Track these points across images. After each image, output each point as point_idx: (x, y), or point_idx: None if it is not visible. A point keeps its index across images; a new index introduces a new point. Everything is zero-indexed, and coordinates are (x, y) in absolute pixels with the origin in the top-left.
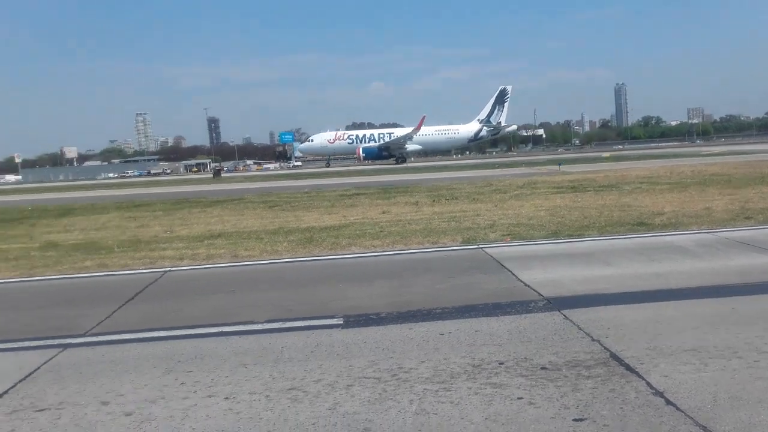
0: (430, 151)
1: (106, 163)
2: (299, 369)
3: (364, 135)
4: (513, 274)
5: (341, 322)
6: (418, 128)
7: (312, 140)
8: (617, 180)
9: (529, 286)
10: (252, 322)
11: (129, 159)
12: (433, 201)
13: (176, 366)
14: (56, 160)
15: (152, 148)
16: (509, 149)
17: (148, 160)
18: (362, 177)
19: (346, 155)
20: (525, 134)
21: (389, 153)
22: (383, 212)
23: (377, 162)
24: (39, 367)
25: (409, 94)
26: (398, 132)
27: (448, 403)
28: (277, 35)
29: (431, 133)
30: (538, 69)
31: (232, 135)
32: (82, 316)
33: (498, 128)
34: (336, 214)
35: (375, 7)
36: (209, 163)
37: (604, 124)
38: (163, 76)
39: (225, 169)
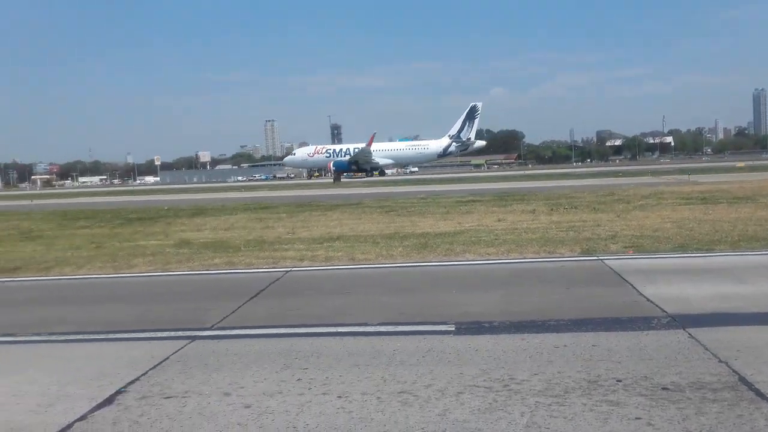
0: (401, 165)
1: (236, 166)
2: (410, 373)
3: (340, 149)
4: (635, 288)
5: (453, 329)
6: (369, 144)
7: (294, 154)
8: (753, 192)
9: (651, 301)
10: (366, 324)
11: (257, 163)
12: (551, 209)
13: (293, 362)
14: (191, 164)
15: (278, 153)
16: (633, 157)
17: (274, 165)
18: (479, 184)
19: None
20: (651, 142)
21: (358, 167)
22: (499, 220)
23: (346, 174)
24: (168, 357)
25: (528, 101)
26: (375, 147)
27: (561, 418)
28: (399, 44)
29: (402, 148)
30: (667, 73)
31: (353, 141)
32: (210, 311)
33: (467, 144)
34: (451, 220)
35: (497, 13)
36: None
37: (740, 132)
38: (291, 85)
39: (344, 174)
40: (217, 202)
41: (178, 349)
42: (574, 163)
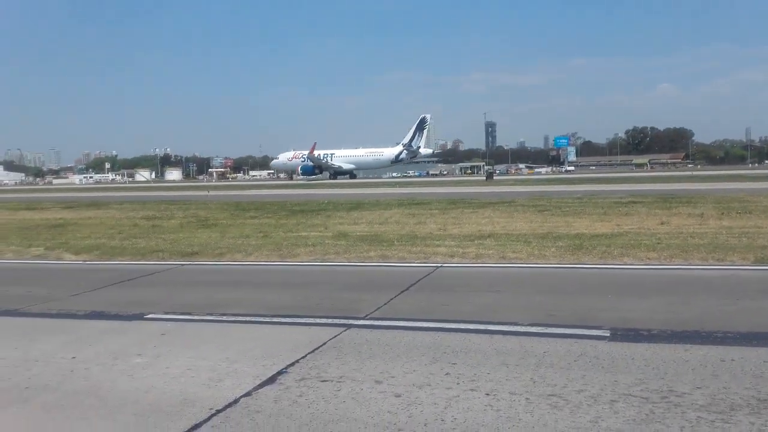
0: (361, 170)
1: None
2: (561, 376)
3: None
4: None
5: (608, 335)
6: (311, 152)
7: (278, 158)
8: None
9: None
10: (515, 324)
11: (411, 161)
12: (722, 213)
13: (442, 357)
14: None
15: (432, 150)
16: None
17: (428, 162)
18: (640, 185)
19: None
20: None
21: (320, 170)
22: (662, 223)
23: (312, 178)
24: (325, 343)
25: (699, 97)
26: (338, 153)
27: None
28: (555, 40)
29: (362, 154)
30: None
31: (506, 139)
32: (363, 301)
33: (415, 152)
34: (609, 221)
35: (664, 5)
36: (483, 165)
37: None
38: (447, 83)
39: (497, 172)
40: (372, 197)
41: (335, 336)
42: (750, 165)
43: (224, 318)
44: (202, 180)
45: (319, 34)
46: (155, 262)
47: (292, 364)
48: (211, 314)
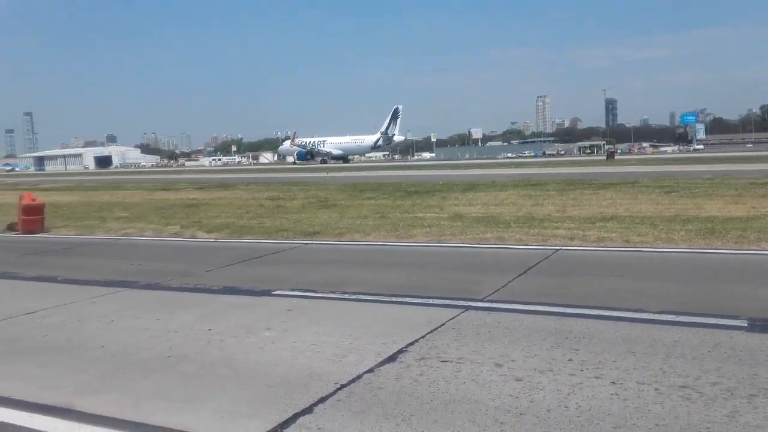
0: (347, 155)
1: (506, 143)
2: (693, 367)
3: (309, 141)
4: None
5: (745, 325)
6: (292, 141)
7: (284, 143)
8: None
9: None
10: (642, 311)
11: (526, 140)
12: None
13: (564, 342)
14: (464, 140)
15: (549, 129)
16: None
17: (544, 141)
18: None
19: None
20: None
21: (312, 156)
22: None
23: (306, 163)
24: (444, 323)
25: None
26: (329, 140)
27: None
28: (681, 9)
29: (347, 141)
30: None
31: (628, 116)
32: (481, 283)
33: (390, 139)
34: (744, 204)
35: None
36: (603, 145)
37: None
38: (565, 58)
39: (619, 151)
40: (487, 178)
41: (453, 317)
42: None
43: (346, 296)
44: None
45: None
46: (280, 241)
47: (412, 344)
48: (333, 292)
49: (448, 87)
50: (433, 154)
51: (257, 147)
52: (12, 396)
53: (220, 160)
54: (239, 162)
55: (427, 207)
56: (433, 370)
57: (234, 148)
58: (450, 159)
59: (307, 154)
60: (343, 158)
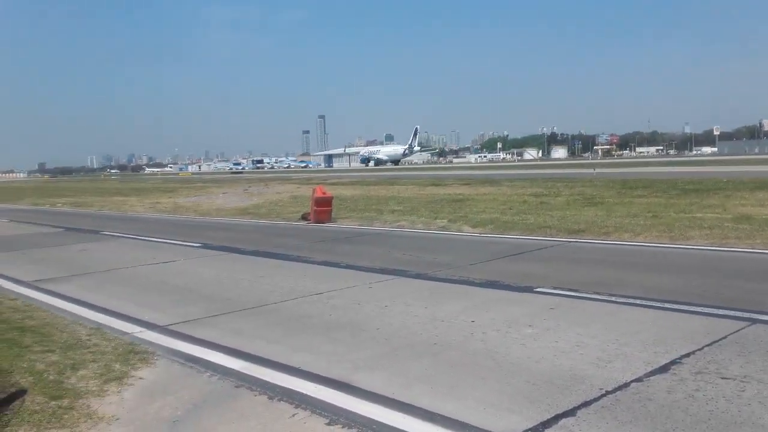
0: (388, 161)
1: None
2: None
3: (365, 151)
4: None
5: None
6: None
7: (360, 151)
8: None
9: None
10: None
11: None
12: None
13: None
14: (753, 133)
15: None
16: None
17: None
18: None
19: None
20: None
21: (367, 161)
22: None
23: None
24: (725, 337)
25: None
26: (382, 150)
27: None
28: None
29: (389, 151)
30: None
31: None
32: None
33: (413, 150)
34: None
35: None
36: None
37: None
38: None
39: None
40: None
41: (737, 330)
42: None
43: (612, 298)
44: (587, 158)
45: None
46: (542, 238)
47: (687, 355)
48: (597, 293)
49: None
50: (715, 149)
51: (521, 144)
52: (302, 367)
53: (485, 156)
54: (503, 158)
55: (707, 207)
56: (712, 386)
57: (499, 145)
58: (735, 154)
59: (365, 161)
60: (394, 161)
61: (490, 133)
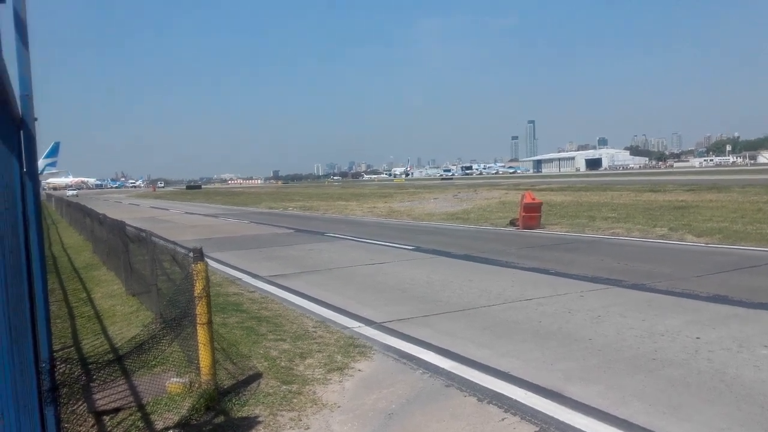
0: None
1: None
2: None
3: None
4: None
5: None
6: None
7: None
8: None
9: None
10: None
11: None
12: None
13: None
14: None
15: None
16: None
17: None
18: None
19: None
20: None
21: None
22: None
23: None
24: None
25: None
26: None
27: None
28: None
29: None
30: None
31: None
32: None
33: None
34: None
35: None
36: None
37: None
38: None
39: None
40: None
41: None
42: None
43: None
44: None
45: None
46: None
47: None
48: None
49: None
50: None
51: (755, 146)
52: (510, 372)
53: (711, 160)
54: (733, 162)
55: None
56: None
57: (728, 148)
58: None
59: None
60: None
61: (718, 134)
